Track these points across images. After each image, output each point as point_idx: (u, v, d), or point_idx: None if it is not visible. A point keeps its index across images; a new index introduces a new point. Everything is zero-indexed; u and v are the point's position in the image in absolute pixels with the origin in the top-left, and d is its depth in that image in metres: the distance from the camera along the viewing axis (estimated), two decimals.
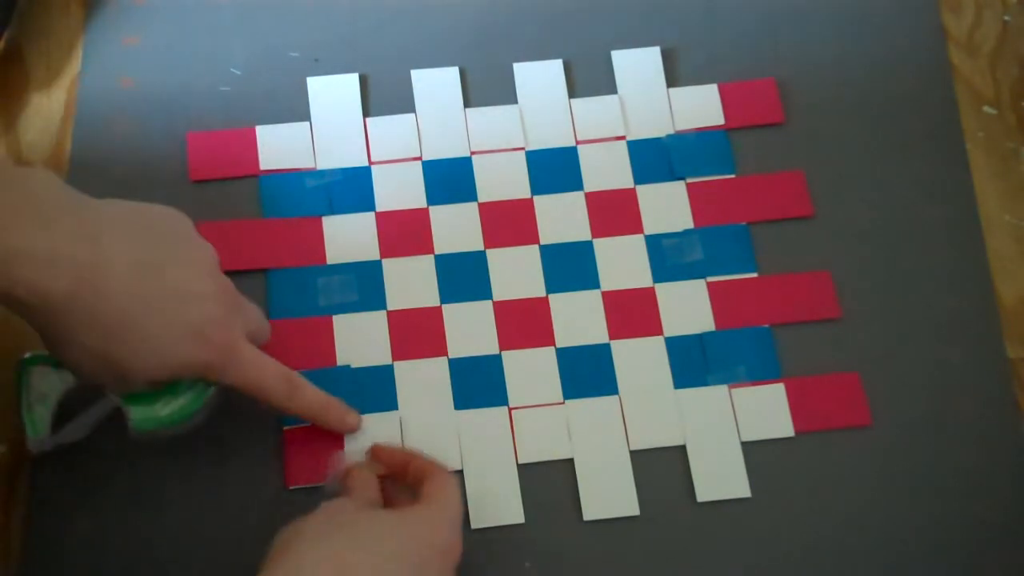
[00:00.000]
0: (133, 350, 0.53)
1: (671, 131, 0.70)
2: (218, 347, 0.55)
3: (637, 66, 0.71)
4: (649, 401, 0.64)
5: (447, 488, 0.56)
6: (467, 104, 0.70)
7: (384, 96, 0.70)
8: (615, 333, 0.65)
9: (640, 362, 0.64)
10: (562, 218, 0.67)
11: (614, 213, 0.68)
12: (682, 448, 0.63)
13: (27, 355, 0.57)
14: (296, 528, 0.52)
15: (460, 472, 0.61)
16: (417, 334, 0.64)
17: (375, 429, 0.62)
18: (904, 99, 0.71)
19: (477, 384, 0.63)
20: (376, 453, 0.60)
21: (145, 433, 0.57)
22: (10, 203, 0.50)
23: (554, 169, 0.69)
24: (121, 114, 0.69)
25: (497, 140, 0.69)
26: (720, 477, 0.62)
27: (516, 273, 0.66)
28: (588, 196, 0.68)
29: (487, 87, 0.71)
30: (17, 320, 0.52)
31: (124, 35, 0.71)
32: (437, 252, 0.66)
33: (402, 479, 0.58)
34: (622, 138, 0.70)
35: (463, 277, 0.66)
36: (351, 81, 0.70)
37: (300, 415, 0.60)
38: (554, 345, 0.65)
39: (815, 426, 0.63)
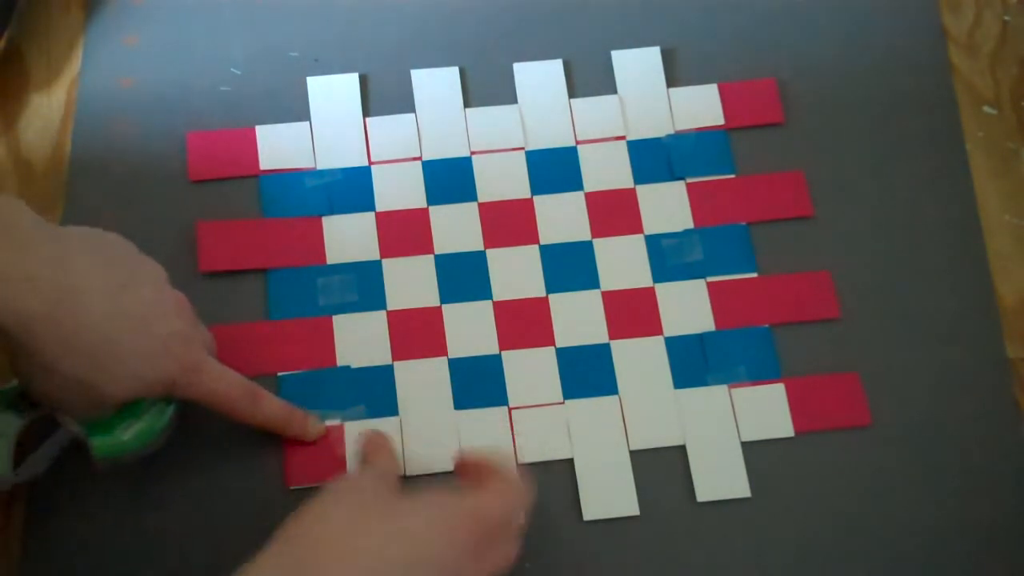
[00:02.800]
0: (110, 372, 0.53)
1: (671, 131, 0.70)
2: (184, 361, 0.55)
3: (637, 66, 0.71)
4: (649, 401, 0.64)
5: (499, 488, 0.53)
6: (467, 104, 0.70)
7: (384, 96, 0.70)
8: (615, 333, 0.65)
9: (640, 362, 0.64)
10: (562, 218, 0.67)
11: (614, 213, 0.68)
12: (682, 448, 0.63)
13: None
14: (318, 515, 0.50)
15: None
16: (417, 334, 0.64)
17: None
18: (904, 99, 0.71)
19: (477, 384, 0.63)
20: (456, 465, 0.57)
21: (108, 461, 0.56)
22: None
23: (554, 169, 0.69)
24: (121, 114, 0.69)
25: (497, 140, 0.69)
26: (720, 477, 0.62)
27: (516, 273, 0.66)
28: (588, 196, 0.68)
29: (487, 87, 0.71)
30: None
31: (124, 35, 0.71)
32: (437, 252, 0.66)
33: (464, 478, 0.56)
34: (622, 138, 0.70)
35: (463, 277, 0.66)
36: (351, 81, 0.70)
37: (263, 426, 0.60)
38: (554, 345, 0.65)
39: (815, 426, 0.63)
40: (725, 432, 0.63)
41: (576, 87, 0.71)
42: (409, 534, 0.49)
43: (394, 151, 0.69)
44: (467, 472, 0.56)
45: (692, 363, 0.65)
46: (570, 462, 0.62)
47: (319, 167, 0.68)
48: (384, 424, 0.62)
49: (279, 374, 0.63)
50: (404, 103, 0.70)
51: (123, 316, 0.53)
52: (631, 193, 0.68)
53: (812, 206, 0.68)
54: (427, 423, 0.62)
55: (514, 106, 0.70)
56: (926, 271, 0.67)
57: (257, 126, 0.69)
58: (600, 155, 0.69)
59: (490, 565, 0.52)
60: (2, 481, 0.56)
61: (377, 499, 0.51)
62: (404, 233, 0.67)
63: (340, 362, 0.64)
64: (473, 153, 0.69)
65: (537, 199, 0.68)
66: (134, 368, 0.53)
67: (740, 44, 0.73)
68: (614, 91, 0.71)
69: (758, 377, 0.64)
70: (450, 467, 0.61)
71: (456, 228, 0.67)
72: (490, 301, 0.65)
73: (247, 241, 0.66)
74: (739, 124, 0.70)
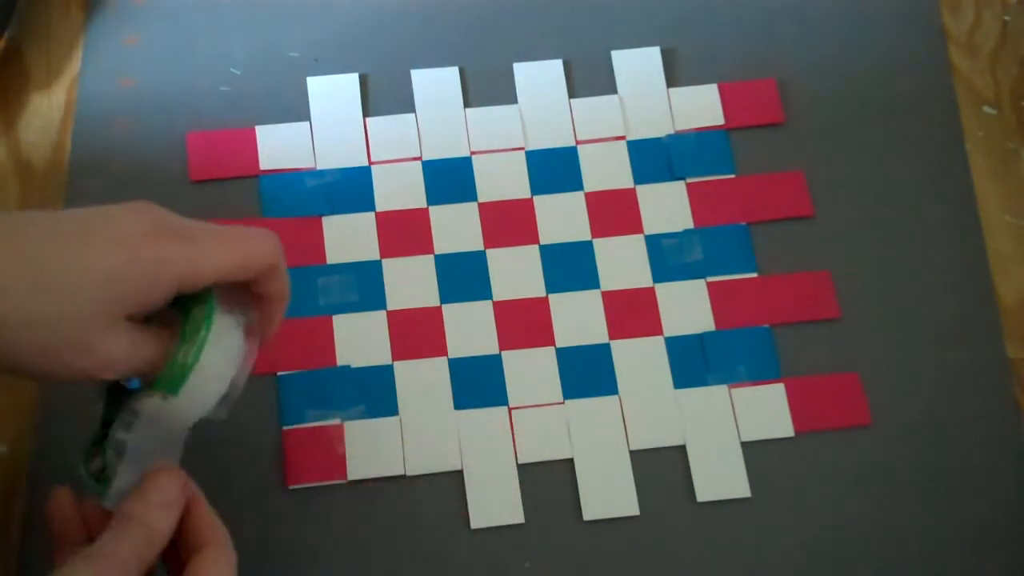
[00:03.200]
0: (58, 279, 0.44)
1: (671, 131, 0.70)
2: (156, 236, 0.46)
3: (637, 66, 0.71)
4: (649, 401, 0.64)
5: (223, 572, 0.46)
6: (467, 104, 0.70)
7: (384, 96, 0.70)
8: (615, 333, 0.65)
9: (640, 362, 0.64)
10: (562, 218, 0.67)
11: (614, 213, 0.68)
12: (682, 448, 0.63)
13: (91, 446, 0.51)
14: None
15: (460, 472, 0.62)
16: (417, 334, 0.64)
17: (375, 430, 0.62)
18: (904, 99, 0.71)
19: (477, 384, 0.63)
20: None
21: (186, 392, 0.48)
22: None
23: (554, 169, 0.69)
24: (121, 114, 0.69)
25: (497, 140, 0.69)
26: (720, 477, 0.62)
27: (516, 273, 0.66)
28: (588, 196, 0.68)
29: (487, 87, 0.71)
30: None
31: (124, 35, 0.71)
32: (437, 252, 0.66)
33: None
34: (622, 138, 0.70)
35: (463, 277, 0.66)
36: (351, 81, 0.70)
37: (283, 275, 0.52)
38: (554, 345, 0.65)
39: (815, 426, 0.63)
40: (725, 432, 0.63)
41: (576, 87, 0.71)
42: None
43: (394, 151, 0.69)
44: (186, 534, 0.48)
45: (692, 363, 0.65)
46: (570, 462, 0.62)
47: (319, 167, 0.68)
48: (384, 424, 0.62)
49: (279, 374, 0.63)
50: (404, 103, 0.70)
51: (51, 221, 0.45)
52: (631, 193, 0.68)
53: (812, 206, 0.68)
54: (427, 423, 0.62)
55: (514, 106, 0.70)
56: (926, 271, 0.67)
57: (257, 126, 0.69)
58: (600, 155, 0.69)
59: None
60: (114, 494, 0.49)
61: None
62: (404, 233, 0.67)
63: (340, 362, 0.64)
64: (473, 153, 0.69)
65: (537, 199, 0.68)
66: (85, 264, 0.44)
67: (740, 44, 0.73)
68: (614, 91, 0.71)
69: (758, 377, 0.64)
70: (451, 467, 0.61)
71: (456, 228, 0.67)
72: (490, 301, 0.65)
73: None
74: (739, 124, 0.70)
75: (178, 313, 0.49)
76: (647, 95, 0.71)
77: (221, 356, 0.49)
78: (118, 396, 0.50)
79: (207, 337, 0.48)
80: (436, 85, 0.70)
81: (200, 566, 0.46)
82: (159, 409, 0.48)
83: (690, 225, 0.68)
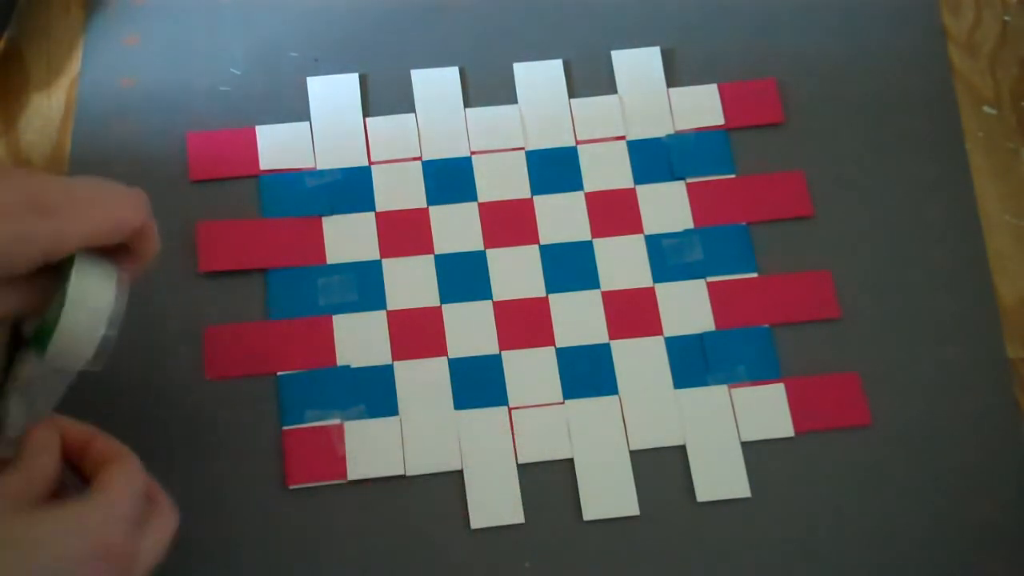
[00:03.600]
0: None
1: (671, 131, 0.70)
2: (33, 208, 0.48)
3: (637, 66, 0.71)
4: (649, 401, 0.64)
5: (122, 478, 0.50)
6: (467, 104, 0.70)
7: (384, 96, 0.70)
8: (615, 333, 0.65)
9: (640, 362, 0.64)
10: (562, 218, 0.67)
11: (614, 213, 0.68)
12: (682, 448, 0.63)
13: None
14: None
15: (460, 472, 0.62)
16: (417, 334, 0.64)
17: (375, 430, 0.62)
18: (904, 99, 0.71)
19: (477, 384, 0.63)
20: (57, 426, 0.52)
21: (54, 349, 0.51)
22: None
23: (554, 169, 0.69)
24: (121, 114, 0.69)
25: (497, 140, 0.69)
26: (720, 477, 0.62)
27: (516, 273, 0.66)
28: (588, 196, 0.68)
29: (487, 87, 0.71)
30: None
31: (124, 35, 0.71)
32: (437, 252, 0.66)
33: (79, 462, 0.52)
34: (622, 138, 0.70)
35: (463, 277, 0.66)
36: (351, 81, 0.70)
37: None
38: (554, 345, 0.65)
39: (815, 426, 0.63)
40: (725, 432, 0.63)
41: (576, 87, 0.71)
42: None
43: (394, 151, 0.69)
44: (71, 441, 0.52)
45: (692, 363, 0.65)
46: (570, 462, 0.62)
47: (319, 167, 0.68)
48: (384, 424, 0.62)
49: (279, 374, 0.63)
50: (404, 103, 0.70)
51: None
52: (631, 193, 0.68)
53: (812, 206, 0.68)
54: (427, 423, 0.62)
55: (514, 106, 0.70)
56: (926, 271, 0.67)
57: (257, 126, 0.69)
58: (600, 155, 0.69)
59: (150, 551, 0.51)
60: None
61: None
62: (404, 233, 0.67)
63: (340, 362, 0.64)
64: (473, 153, 0.69)
65: (537, 199, 0.68)
66: None
67: (740, 44, 0.73)
68: (614, 91, 0.71)
69: (758, 377, 0.64)
70: (451, 467, 0.61)
71: (456, 228, 0.67)
72: (490, 301, 0.65)
73: (247, 241, 0.66)
74: (739, 124, 0.70)
75: (54, 271, 0.51)
76: (647, 95, 0.71)
77: (87, 315, 0.51)
78: (15, 351, 0.53)
79: (68, 299, 0.50)
80: (436, 85, 0.70)
81: (107, 474, 0.50)
82: (35, 365, 0.51)
83: (690, 225, 0.68)
